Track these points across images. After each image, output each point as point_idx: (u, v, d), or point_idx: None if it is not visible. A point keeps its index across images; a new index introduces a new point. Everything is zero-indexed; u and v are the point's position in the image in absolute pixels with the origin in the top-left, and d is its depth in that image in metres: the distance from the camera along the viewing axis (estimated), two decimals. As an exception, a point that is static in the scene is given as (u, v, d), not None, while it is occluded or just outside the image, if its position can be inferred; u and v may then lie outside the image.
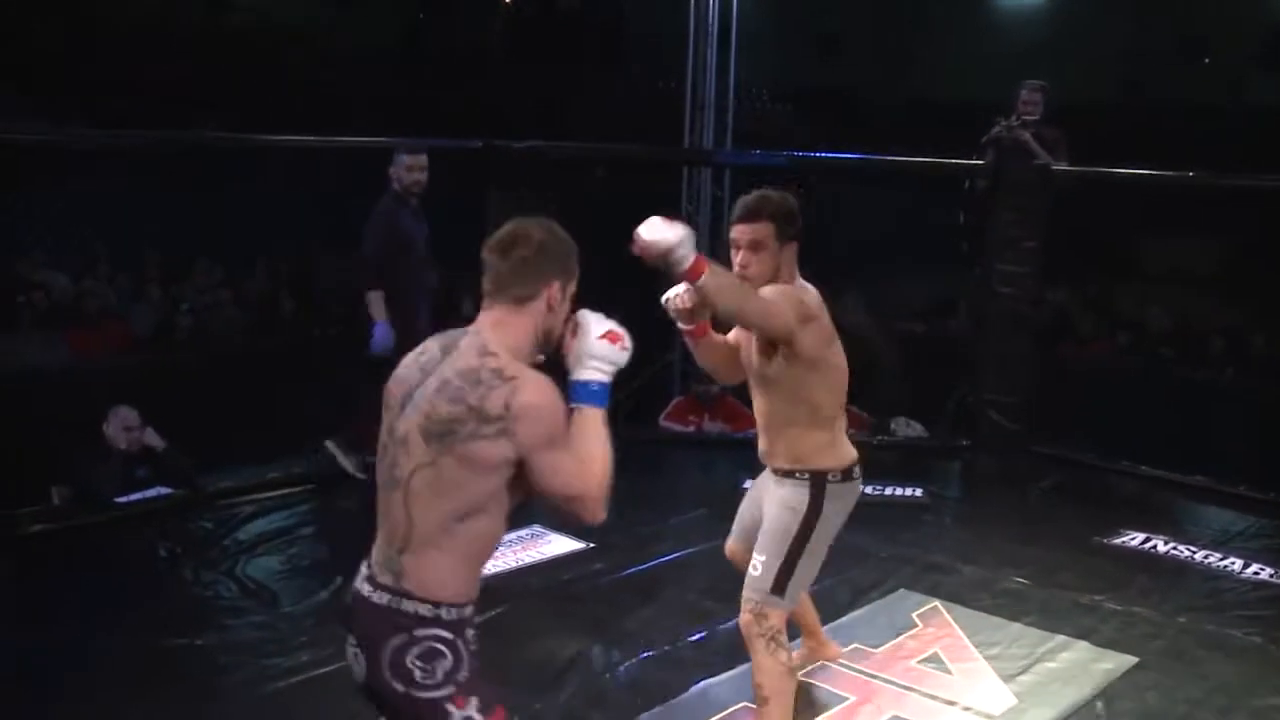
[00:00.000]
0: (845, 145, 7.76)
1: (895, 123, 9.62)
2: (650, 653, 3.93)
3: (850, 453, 3.15)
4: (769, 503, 3.17)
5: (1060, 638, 4.12)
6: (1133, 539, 5.19)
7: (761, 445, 3.19)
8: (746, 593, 3.12)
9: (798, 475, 3.10)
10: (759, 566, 3.10)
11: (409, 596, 2.14)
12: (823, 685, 3.73)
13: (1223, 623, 4.33)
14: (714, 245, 7.90)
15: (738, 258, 3.02)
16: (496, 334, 2.20)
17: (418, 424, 2.14)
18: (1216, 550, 5.10)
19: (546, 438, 2.11)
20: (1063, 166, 6.25)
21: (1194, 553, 5.07)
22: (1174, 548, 5.12)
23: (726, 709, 3.56)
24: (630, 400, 6.40)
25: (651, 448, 6.43)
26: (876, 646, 4.01)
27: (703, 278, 2.76)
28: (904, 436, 6.71)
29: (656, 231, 2.70)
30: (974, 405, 6.48)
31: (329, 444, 5.34)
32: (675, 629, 4.10)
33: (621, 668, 3.83)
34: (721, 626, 3.99)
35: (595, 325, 2.25)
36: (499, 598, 4.02)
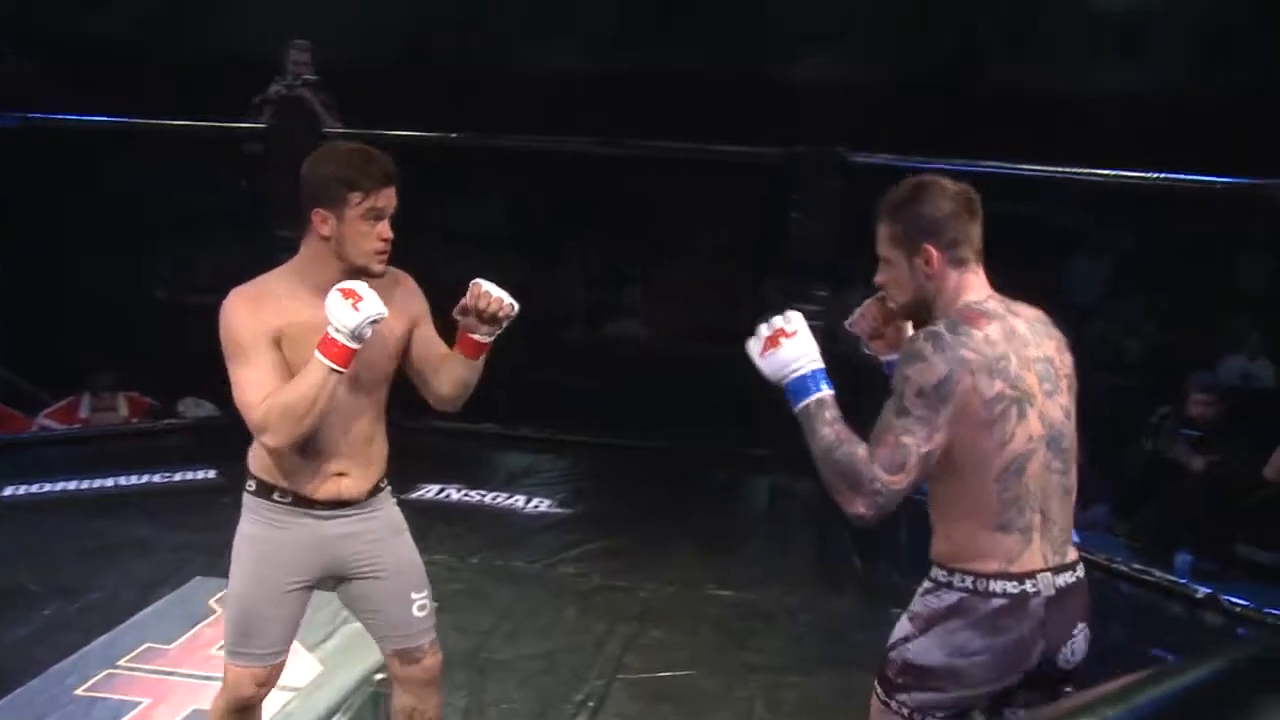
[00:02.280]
0: (116, 106, 7.35)
1: (170, 80, 9.29)
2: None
3: None
4: (388, 538, 2.77)
5: (363, 597, 4.36)
6: (429, 491, 5.64)
7: (340, 467, 2.66)
8: (428, 637, 2.80)
9: (381, 486, 2.78)
10: (427, 604, 2.82)
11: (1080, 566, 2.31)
12: (110, 696, 3.60)
13: (509, 556, 4.87)
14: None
15: (379, 229, 2.55)
16: None
17: (1068, 388, 2.28)
18: (504, 490, 5.72)
19: None
20: (338, 128, 6.49)
21: (484, 496, 5.64)
22: (466, 494, 5.64)
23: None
24: None
25: None
26: (171, 642, 3.95)
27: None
28: (194, 417, 6.58)
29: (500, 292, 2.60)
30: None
31: None
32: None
33: None
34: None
35: None
36: None
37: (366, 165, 2.57)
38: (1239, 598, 4.73)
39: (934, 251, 2.25)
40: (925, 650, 2.25)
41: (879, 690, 2.37)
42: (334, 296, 2.45)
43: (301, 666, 3.85)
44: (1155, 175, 5.12)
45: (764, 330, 2.30)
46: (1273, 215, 5.22)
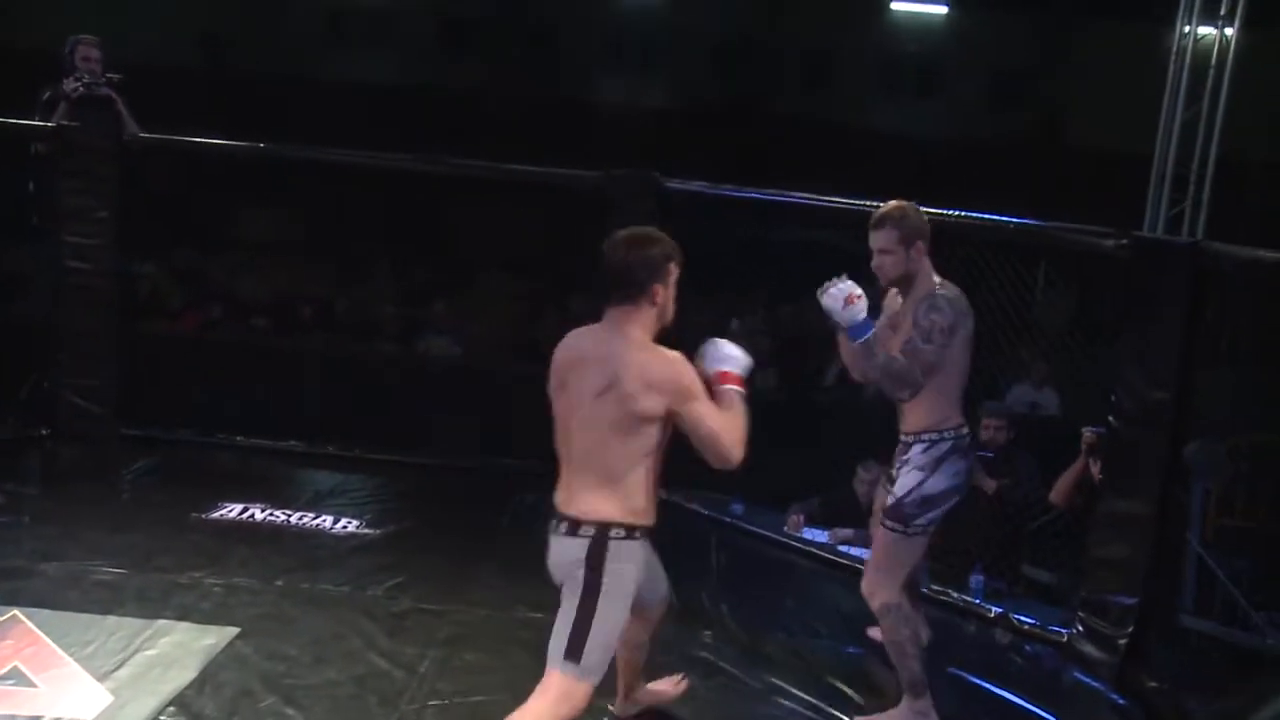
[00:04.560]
0: None
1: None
2: None
3: None
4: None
5: (161, 622, 4.17)
6: (231, 511, 5.43)
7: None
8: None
9: None
10: None
11: None
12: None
13: (316, 579, 4.73)
14: None
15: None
16: None
17: None
18: (310, 510, 5.56)
19: None
20: (133, 132, 6.23)
21: (289, 516, 5.46)
22: (271, 514, 5.45)
23: None
24: None
25: None
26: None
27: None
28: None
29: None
30: (51, 391, 6.21)
31: None
32: None
33: None
34: None
35: None
36: None
37: (673, 242, 3.26)
38: (1025, 616, 5.00)
39: (922, 245, 3.74)
40: (938, 482, 3.71)
41: (897, 527, 3.75)
42: (728, 344, 3.26)
43: (90, 697, 3.66)
44: (952, 213, 5.32)
45: (838, 290, 3.63)
46: (1063, 256, 5.52)
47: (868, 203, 5.53)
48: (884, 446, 5.09)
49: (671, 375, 3.10)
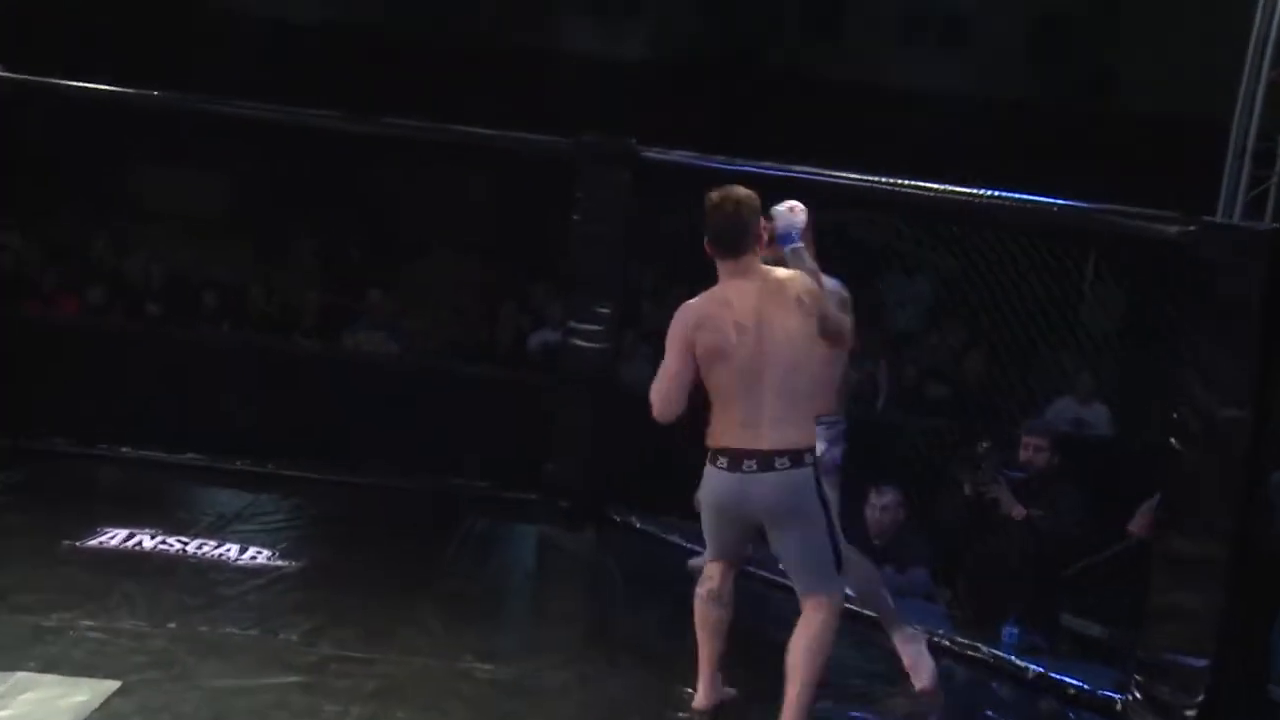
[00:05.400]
0: None
1: None
2: None
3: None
4: None
5: (19, 675, 4.06)
6: (114, 537, 5.38)
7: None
8: None
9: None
10: None
11: None
12: None
13: (218, 621, 4.66)
14: None
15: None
16: None
17: None
18: (212, 538, 5.52)
19: None
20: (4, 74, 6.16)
21: (186, 544, 5.42)
22: (163, 541, 5.41)
23: None
24: None
25: None
26: None
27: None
28: None
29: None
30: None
31: None
32: None
33: None
34: None
35: None
36: None
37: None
38: (1069, 677, 4.93)
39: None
40: (835, 453, 4.62)
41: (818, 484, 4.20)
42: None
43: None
44: (982, 193, 5.28)
45: (792, 204, 4.26)
46: (1117, 244, 5.48)
47: (881, 179, 5.53)
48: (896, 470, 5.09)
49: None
